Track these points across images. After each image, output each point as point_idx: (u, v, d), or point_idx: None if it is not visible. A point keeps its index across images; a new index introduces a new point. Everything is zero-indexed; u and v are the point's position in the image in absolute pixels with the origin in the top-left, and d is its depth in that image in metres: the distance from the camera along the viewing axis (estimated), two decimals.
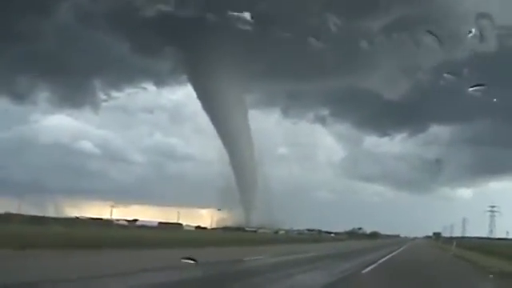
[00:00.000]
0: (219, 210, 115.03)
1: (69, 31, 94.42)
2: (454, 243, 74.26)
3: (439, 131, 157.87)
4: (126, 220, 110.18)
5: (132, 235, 38.47)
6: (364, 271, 19.85)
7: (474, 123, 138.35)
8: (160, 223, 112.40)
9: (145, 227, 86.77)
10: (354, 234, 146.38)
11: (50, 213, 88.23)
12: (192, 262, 15.38)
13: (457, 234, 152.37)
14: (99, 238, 31.52)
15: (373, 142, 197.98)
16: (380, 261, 29.06)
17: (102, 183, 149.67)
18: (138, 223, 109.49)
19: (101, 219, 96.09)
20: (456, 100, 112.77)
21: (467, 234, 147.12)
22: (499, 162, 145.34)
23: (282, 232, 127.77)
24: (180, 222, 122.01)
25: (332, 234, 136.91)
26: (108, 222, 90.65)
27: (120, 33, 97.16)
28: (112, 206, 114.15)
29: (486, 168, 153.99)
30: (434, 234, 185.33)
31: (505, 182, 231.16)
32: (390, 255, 40.26)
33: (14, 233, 25.30)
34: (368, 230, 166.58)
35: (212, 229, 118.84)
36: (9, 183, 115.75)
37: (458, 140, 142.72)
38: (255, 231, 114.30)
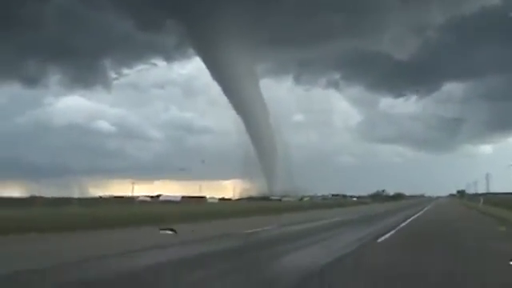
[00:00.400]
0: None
1: (72, 13, 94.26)
2: (482, 200, 73.27)
3: (453, 88, 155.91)
4: (149, 196, 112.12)
5: (155, 211, 37.97)
6: (381, 239, 17.88)
7: (487, 79, 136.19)
8: (183, 197, 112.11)
9: (168, 202, 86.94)
10: (377, 197, 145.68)
11: (73, 194, 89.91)
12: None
13: (481, 190, 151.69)
14: (123, 215, 31.20)
15: (388, 103, 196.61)
16: (402, 224, 27.89)
17: (121, 161, 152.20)
18: (161, 198, 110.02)
19: (123, 197, 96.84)
20: (468, 56, 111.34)
21: (492, 190, 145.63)
22: None
23: (306, 199, 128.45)
24: (203, 194, 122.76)
25: (354, 198, 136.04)
26: (131, 200, 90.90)
27: (123, 10, 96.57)
28: (133, 183, 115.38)
29: (504, 123, 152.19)
30: (458, 191, 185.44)
31: None
32: (414, 216, 39.37)
33: (36, 216, 24.85)
34: (391, 191, 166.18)
35: (236, 199, 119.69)
36: (28, 167, 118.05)
37: (473, 96, 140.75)
38: (280, 199, 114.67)
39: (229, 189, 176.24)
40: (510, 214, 37.97)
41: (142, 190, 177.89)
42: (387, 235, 19.19)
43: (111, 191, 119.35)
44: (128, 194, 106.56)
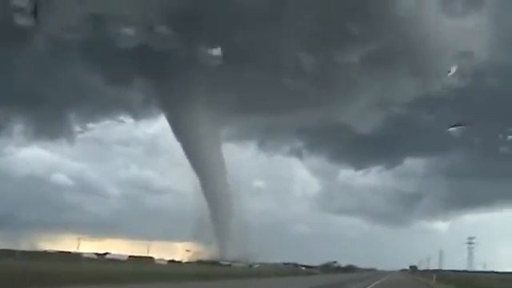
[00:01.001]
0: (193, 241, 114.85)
1: (41, 63, 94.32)
2: (435, 277, 71.81)
3: (414, 164, 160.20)
4: (96, 253, 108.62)
5: (96, 270, 37.36)
6: None
7: (448, 155, 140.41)
8: (130, 257, 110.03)
9: (114, 261, 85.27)
10: (328, 268, 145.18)
11: (21, 246, 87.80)
12: None
13: (433, 266, 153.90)
14: (61, 272, 30.80)
15: (349, 175, 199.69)
16: None
17: (75, 216, 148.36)
18: (107, 257, 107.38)
19: (70, 253, 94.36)
20: (430, 133, 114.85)
21: (445, 267, 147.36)
22: (474, 194, 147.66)
23: (256, 266, 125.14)
24: (151, 255, 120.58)
25: (303, 268, 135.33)
26: (76, 256, 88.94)
27: (93, 65, 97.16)
28: (79, 239, 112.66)
29: (462, 200, 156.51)
30: (411, 267, 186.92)
31: (480, 214, 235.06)
32: None
33: None
34: (344, 263, 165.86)
35: (186, 262, 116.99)
36: None
37: (434, 172, 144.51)
38: (229, 265, 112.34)
39: (181, 251, 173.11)
40: None
41: (92, 246, 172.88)
42: None
43: (62, 246, 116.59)
44: (76, 249, 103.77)
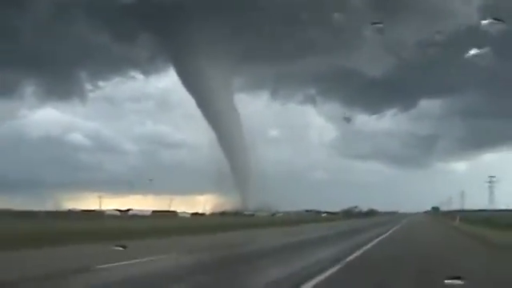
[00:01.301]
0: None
1: (46, 24, 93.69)
2: (458, 218, 69.94)
3: (429, 105, 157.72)
4: (119, 210, 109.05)
5: (120, 226, 37.48)
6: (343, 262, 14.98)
7: (463, 96, 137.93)
8: (154, 211, 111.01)
9: (138, 217, 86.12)
10: (349, 213, 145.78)
11: (45, 207, 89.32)
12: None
13: (455, 207, 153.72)
14: (83, 230, 30.95)
15: (363, 120, 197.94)
16: (369, 245, 23.77)
17: (95, 174, 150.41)
18: (130, 213, 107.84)
19: (93, 211, 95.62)
20: (444, 72, 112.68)
21: (466, 207, 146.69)
22: (491, 133, 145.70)
23: (279, 214, 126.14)
24: (174, 209, 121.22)
25: (324, 214, 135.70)
26: (99, 214, 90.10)
27: (98, 23, 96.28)
28: (100, 197, 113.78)
29: (479, 140, 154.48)
30: (433, 208, 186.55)
31: (498, 153, 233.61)
32: (385, 235, 34.97)
33: None
34: (365, 207, 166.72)
35: (210, 214, 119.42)
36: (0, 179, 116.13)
37: (450, 113, 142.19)
38: (253, 215, 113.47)
39: (203, 203, 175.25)
40: (496, 234, 32.78)
41: (114, 203, 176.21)
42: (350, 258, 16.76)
43: (85, 205, 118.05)
44: (98, 207, 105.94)
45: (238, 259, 17.85)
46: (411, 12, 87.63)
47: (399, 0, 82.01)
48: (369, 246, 23.50)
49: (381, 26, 8.49)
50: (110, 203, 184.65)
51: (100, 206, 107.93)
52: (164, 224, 49.77)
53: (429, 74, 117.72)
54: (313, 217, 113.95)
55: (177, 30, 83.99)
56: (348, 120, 77.57)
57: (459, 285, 8.66)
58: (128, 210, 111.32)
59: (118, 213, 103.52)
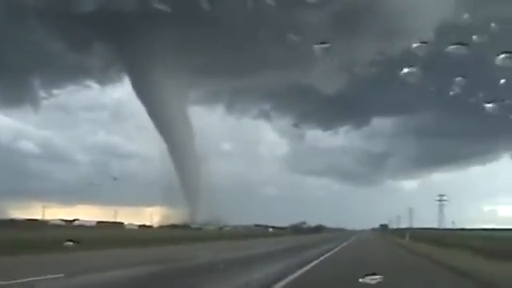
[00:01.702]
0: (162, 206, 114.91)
1: (1, 29, 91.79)
2: (408, 234, 68.09)
3: (382, 123, 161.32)
4: (63, 220, 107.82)
5: (61, 236, 36.52)
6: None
7: (416, 115, 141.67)
8: (99, 222, 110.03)
9: (82, 227, 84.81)
10: (298, 229, 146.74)
11: None
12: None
13: (404, 225, 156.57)
14: (24, 240, 30.26)
15: (316, 135, 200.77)
16: (308, 267, 21.27)
17: (43, 184, 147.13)
18: (76, 223, 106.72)
19: (37, 220, 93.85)
20: (397, 93, 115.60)
21: (414, 225, 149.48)
22: (442, 152, 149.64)
23: (227, 228, 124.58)
24: (121, 220, 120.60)
25: (270, 229, 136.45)
26: (43, 223, 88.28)
27: (53, 31, 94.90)
28: (43, 207, 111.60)
29: (430, 159, 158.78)
30: (381, 225, 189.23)
31: (448, 172, 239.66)
32: (329, 254, 32.62)
33: None
34: (313, 223, 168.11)
35: (158, 227, 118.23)
36: None
37: (402, 132, 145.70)
38: (200, 228, 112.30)
39: (151, 216, 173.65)
40: (447, 253, 31.21)
41: (62, 213, 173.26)
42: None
43: (31, 214, 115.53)
44: (42, 217, 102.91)
45: (173, 275, 17.51)
46: (365, 30, 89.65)
47: (354, 19, 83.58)
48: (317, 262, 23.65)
49: (327, 46, 8.91)
50: (58, 213, 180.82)
51: (43, 216, 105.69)
52: (110, 235, 48.87)
53: (382, 93, 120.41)
54: (261, 232, 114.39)
55: (132, 40, 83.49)
56: (296, 125, 78.57)
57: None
58: (73, 220, 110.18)
59: (62, 222, 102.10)
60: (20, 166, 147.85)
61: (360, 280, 9.19)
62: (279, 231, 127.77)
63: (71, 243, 15.66)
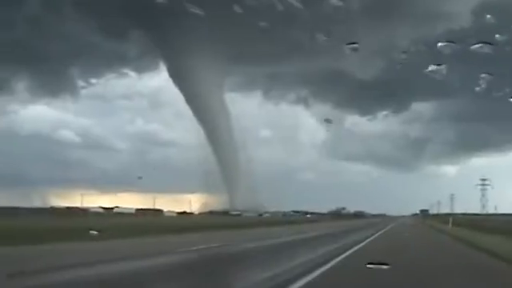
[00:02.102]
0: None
1: (40, 20, 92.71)
2: (451, 221, 62.43)
3: (421, 108, 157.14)
4: (102, 207, 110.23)
5: (97, 224, 36.20)
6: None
7: (455, 100, 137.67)
8: (138, 210, 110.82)
9: (121, 215, 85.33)
10: (337, 214, 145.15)
11: (33, 204, 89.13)
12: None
13: (444, 210, 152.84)
14: (60, 228, 29.76)
15: (355, 121, 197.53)
16: (350, 251, 20.78)
17: (84, 172, 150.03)
18: (115, 211, 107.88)
19: (77, 208, 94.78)
20: (437, 78, 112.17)
21: (456, 211, 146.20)
22: (482, 137, 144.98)
23: (267, 215, 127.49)
24: (160, 207, 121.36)
25: (308, 215, 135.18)
26: (83, 211, 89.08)
27: (91, 19, 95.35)
28: (82, 195, 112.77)
29: (469, 144, 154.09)
30: (421, 211, 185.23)
31: (488, 157, 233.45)
32: (369, 239, 31.31)
33: None
34: (352, 209, 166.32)
35: (198, 214, 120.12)
36: None
37: (441, 116, 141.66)
38: (240, 215, 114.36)
39: (192, 203, 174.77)
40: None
41: (103, 201, 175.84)
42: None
43: (72, 202, 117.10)
44: (81, 204, 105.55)
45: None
46: (403, 15, 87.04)
47: (392, 3, 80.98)
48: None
49: (356, 46, 8.09)
50: (97, 200, 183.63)
51: (81, 203, 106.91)
52: (147, 222, 48.69)
53: (421, 77, 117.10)
54: (300, 218, 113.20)
55: (169, 28, 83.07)
56: (329, 121, 76.70)
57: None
58: (113, 208, 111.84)
59: (101, 210, 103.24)
60: (60, 155, 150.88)
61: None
62: (318, 217, 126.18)
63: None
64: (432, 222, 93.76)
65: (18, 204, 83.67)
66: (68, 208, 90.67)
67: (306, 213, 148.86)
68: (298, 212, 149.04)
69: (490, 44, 8.11)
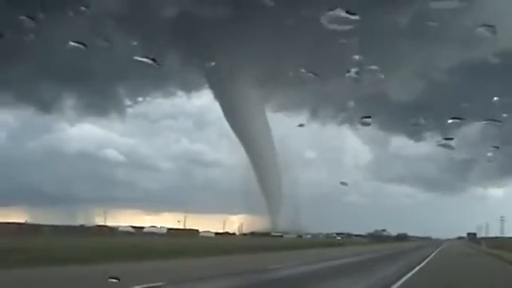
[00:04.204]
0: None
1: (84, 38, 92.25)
2: None
3: (468, 130, 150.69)
4: (132, 227, 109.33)
5: (118, 245, 32.86)
6: None
7: (502, 122, 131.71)
8: (170, 229, 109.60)
9: (152, 234, 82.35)
10: (377, 236, 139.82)
11: (77, 222, 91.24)
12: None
13: (493, 233, 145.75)
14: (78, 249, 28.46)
15: (401, 143, 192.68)
16: None
17: (128, 191, 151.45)
18: (145, 230, 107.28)
19: (106, 226, 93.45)
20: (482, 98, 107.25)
21: (506, 234, 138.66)
22: None
23: (308, 236, 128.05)
24: (196, 228, 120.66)
25: (338, 238, 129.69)
26: (111, 230, 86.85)
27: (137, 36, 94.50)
28: (105, 212, 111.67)
29: None
30: (469, 234, 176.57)
31: None
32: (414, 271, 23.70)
33: None
34: (395, 231, 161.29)
35: (241, 234, 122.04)
36: (33, 193, 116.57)
37: (487, 139, 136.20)
38: (281, 236, 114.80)
39: (233, 223, 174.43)
40: None
41: (149, 221, 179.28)
42: None
43: (115, 221, 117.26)
44: (137, 223, 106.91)
45: None
46: (446, 37, 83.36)
47: (434, 25, 77.16)
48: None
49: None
50: (145, 221, 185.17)
51: (105, 222, 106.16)
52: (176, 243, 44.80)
53: (466, 99, 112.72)
54: (338, 241, 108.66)
55: (215, 47, 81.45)
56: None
57: None
58: (142, 228, 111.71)
59: (131, 229, 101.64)
60: (105, 174, 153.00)
61: None
62: (358, 239, 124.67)
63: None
64: (487, 249, 69.16)
65: (62, 222, 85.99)
66: (98, 226, 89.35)
67: (350, 235, 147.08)
68: (341, 234, 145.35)
69: None
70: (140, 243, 43.25)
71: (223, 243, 55.50)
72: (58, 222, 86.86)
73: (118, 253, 27.33)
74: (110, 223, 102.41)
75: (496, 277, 23.67)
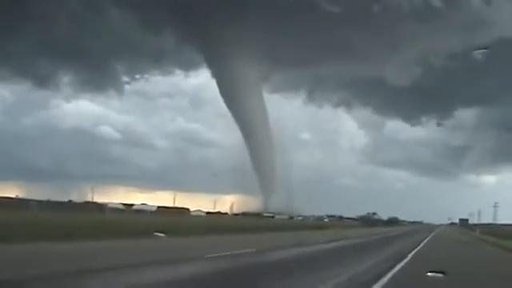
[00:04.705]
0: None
1: (85, 15, 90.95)
2: None
3: (464, 115, 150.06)
4: (123, 204, 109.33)
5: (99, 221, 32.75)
6: None
7: (498, 106, 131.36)
8: (159, 207, 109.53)
9: (142, 212, 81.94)
10: (367, 220, 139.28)
11: (70, 198, 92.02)
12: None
13: (486, 220, 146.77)
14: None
15: (396, 126, 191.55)
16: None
17: (123, 168, 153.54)
18: (134, 208, 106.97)
19: (95, 203, 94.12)
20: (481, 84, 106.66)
21: (499, 221, 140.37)
22: None
23: (299, 218, 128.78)
24: (188, 206, 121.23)
25: (326, 220, 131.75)
26: (101, 206, 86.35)
27: (136, 14, 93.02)
28: (92, 188, 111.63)
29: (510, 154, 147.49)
30: (461, 220, 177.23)
31: None
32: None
33: None
34: (386, 215, 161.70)
35: (233, 214, 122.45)
36: (28, 168, 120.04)
37: (483, 124, 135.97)
38: (273, 217, 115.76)
39: (226, 203, 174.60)
40: None
41: (142, 198, 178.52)
42: None
43: (109, 198, 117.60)
44: (128, 201, 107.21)
45: None
46: (447, 23, 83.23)
47: (436, 11, 76.70)
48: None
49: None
50: (138, 198, 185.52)
51: (92, 198, 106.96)
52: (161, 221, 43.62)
53: (464, 84, 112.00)
54: (330, 223, 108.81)
55: (213, 25, 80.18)
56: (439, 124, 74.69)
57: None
58: (131, 205, 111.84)
59: (121, 207, 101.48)
60: (100, 151, 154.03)
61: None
62: (349, 222, 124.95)
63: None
64: (480, 235, 65.62)
65: (55, 198, 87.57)
66: (86, 203, 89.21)
67: (341, 217, 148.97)
68: (332, 216, 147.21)
69: None
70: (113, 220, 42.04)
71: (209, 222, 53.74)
72: (50, 197, 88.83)
73: (83, 229, 25.67)
74: (103, 200, 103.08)
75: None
